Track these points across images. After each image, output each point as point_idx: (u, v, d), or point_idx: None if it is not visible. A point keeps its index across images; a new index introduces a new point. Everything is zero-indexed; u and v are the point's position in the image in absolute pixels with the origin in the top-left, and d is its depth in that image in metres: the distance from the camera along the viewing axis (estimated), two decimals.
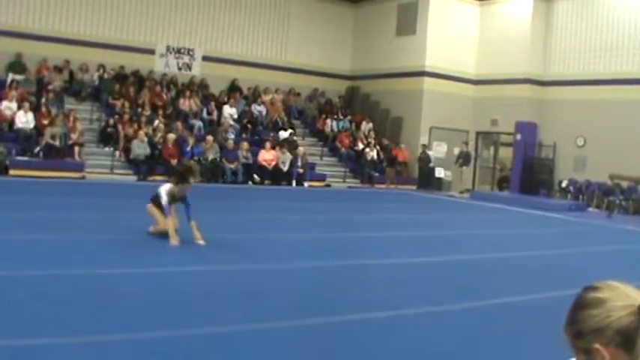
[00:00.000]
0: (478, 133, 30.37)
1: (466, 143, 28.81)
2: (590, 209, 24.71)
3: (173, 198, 10.76)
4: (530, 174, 27.59)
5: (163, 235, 10.82)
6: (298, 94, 31.60)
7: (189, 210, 10.70)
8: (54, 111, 23.40)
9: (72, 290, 7.42)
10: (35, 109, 23.10)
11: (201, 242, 10.49)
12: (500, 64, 28.96)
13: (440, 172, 28.91)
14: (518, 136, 27.78)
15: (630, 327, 1.83)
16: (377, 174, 28.24)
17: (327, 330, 6.71)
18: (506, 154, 29.82)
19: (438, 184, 28.65)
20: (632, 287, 1.92)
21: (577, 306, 1.92)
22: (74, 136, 22.61)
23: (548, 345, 4.42)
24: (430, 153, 28.93)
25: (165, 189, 10.79)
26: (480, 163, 30.66)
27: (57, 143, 21.95)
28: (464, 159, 28.59)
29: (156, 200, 10.93)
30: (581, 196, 26.17)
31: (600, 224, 19.96)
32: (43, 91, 24.44)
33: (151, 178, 22.16)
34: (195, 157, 23.40)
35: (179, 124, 25.08)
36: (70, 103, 25.19)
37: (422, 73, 29.44)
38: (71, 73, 26.44)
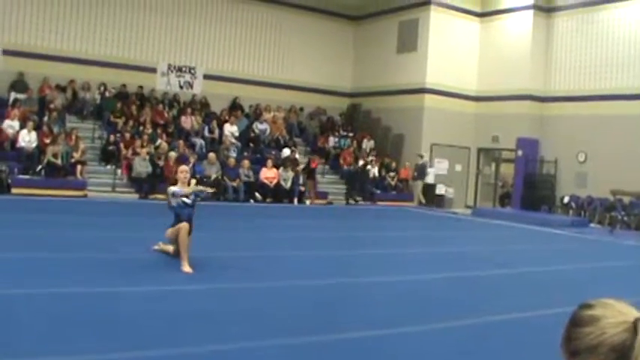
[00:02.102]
0: (479, 150, 30.38)
1: (421, 156, 28.74)
2: (592, 225, 24.66)
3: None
4: (531, 190, 27.56)
5: (167, 254, 10.87)
6: (301, 109, 31.62)
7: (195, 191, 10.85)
8: (56, 129, 23.43)
9: (72, 309, 7.40)
10: (37, 127, 23.12)
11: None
12: (500, 81, 29.01)
13: (441, 189, 28.87)
14: (520, 152, 27.79)
15: (625, 344, 1.82)
16: (378, 191, 28.21)
17: (328, 348, 6.68)
18: (507, 170, 29.83)
19: (439, 201, 28.61)
20: (625, 304, 1.91)
21: (572, 324, 1.92)
22: (76, 155, 22.64)
23: None
24: (431, 170, 28.92)
25: (174, 196, 10.71)
26: (481, 179, 30.66)
27: (59, 162, 21.95)
28: (419, 172, 28.56)
29: (173, 224, 10.71)
30: (583, 212, 26.12)
31: (602, 240, 19.91)
32: (45, 110, 24.49)
33: (152, 197, 22.17)
34: (197, 176, 23.37)
35: (181, 142, 25.11)
36: (72, 122, 25.24)
37: (423, 90, 29.44)
38: (73, 92, 26.49)
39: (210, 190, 11.62)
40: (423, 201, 28.04)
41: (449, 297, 9.69)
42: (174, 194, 10.59)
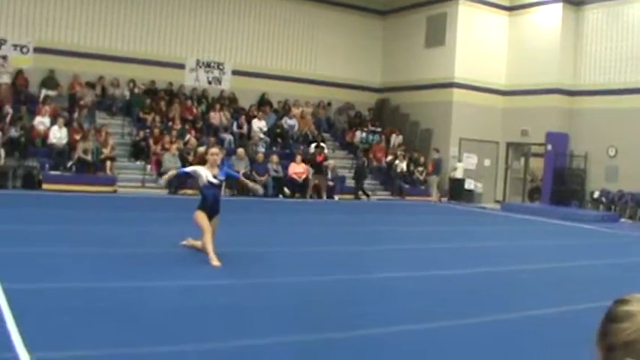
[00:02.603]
0: (508, 144, 30.18)
1: (437, 150, 28.59)
2: (623, 220, 24.42)
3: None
4: (561, 185, 27.34)
5: (196, 249, 10.90)
6: (329, 104, 31.58)
7: (228, 171, 11.04)
8: (86, 126, 23.62)
9: (101, 303, 7.45)
10: (68, 124, 23.30)
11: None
12: (529, 74, 28.78)
13: (470, 184, 28.76)
14: (549, 147, 27.56)
15: None
16: (407, 186, 28.12)
17: (353, 343, 6.64)
18: (536, 164, 29.61)
19: (468, 196, 28.52)
20: None
21: (607, 319, 1.88)
22: (106, 151, 22.78)
23: (580, 358, 4.33)
24: (460, 165, 28.83)
25: (201, 176, 10.64)
26: (510, 174, 30.47)
27: (89, 158, 22.10)
28: (435, 167, 28.50)
29: (203, 206, 10.63)
30: (613, 207, 25.88)
31: (633, 235, 19.73)
32: (76, 107, 24.67)
33: (181, 192, 22.26)
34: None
35: (212, 140, 25.11)
36: (101, 118, 25.39)
37: (451, 85, 29.33)
38: (103, 89, 26.66)
39: (260, 190, 11.56)
40: (436, 196, 27.82)
41: (478, 292, 9.62)
42: (184, 174, 10.74)
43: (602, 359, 1.87)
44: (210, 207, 10.57)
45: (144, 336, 6.34)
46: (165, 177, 11.54)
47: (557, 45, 28.03)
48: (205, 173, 10.52)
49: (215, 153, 10.81)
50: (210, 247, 10.08)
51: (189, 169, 10.89)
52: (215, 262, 9.90)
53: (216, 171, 10.62)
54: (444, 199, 27.96)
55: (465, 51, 29.35)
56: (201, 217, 10.40)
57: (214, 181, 10.59)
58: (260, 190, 11.77)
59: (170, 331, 6.58)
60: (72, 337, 6.12)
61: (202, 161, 10.88)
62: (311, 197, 25.26)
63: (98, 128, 23.69)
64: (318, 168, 25.77)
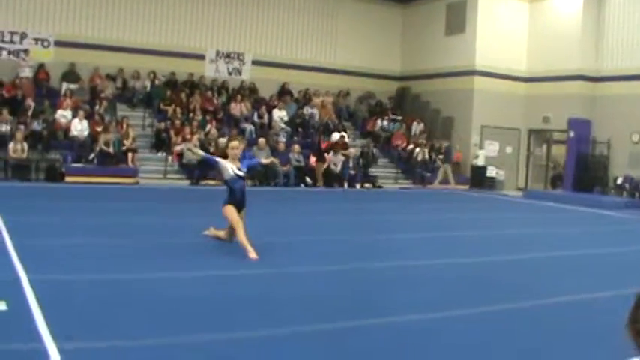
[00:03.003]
0: (530, 131, 29.99)
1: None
2: None
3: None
4: (583, 171, 27.13)
5: (219, 239, 10.95)
6: (347, 93, 31.46)
7: (249, 162, 10.98)
8: (107, 118, 23.77)
9: (130, 294, 7.53)
10: (89, 116, 23.42)
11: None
12: (551, 61, 28.55)
13: (492, 172, 28.63)
14: (571, 133, 27.35)
15: None
16: (428, 174, 28.06)
17: (380, 331, 6.65)
18: (559, 151, 29.41)
19: (490, 184, 28.42)
20: None
21: (637, 305, 1.88)
22: (127, 143, 22.90)
23: (609, 344, 4.33)
24: (481, 152, 28.73)
25: (226, 168, 10.47)
26: (532, 161, 30.31)
27: (110, 150, 22.22)
28: (445, 154, 28.32)
29: (231, 200, 10.49)
30: (637, 194, 25.68)
31: None
32: (96, 99, 24.78)
33: (203, 183, 22.35)
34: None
35: (234, 132, 25.06)
36: (122, 110, 25.51)
37: (472, 72, 29.19)
38: (123, 81, 26.77)
39: (275, 161, 11.36)
40: (446, 182, 27.72)
41: (504, 279, 9.64)
42: (213, 162, 10.73)
43: (634, 343, 1.88)
44: (239, 200, 10.45)
45: (173, 326, 6.40)
46: (190, 150, 11.41)
47: (578, 30, 27.79)
48: (230, 166, 10.40)
49: (235, 147, 10.58)
50: (245, 241, 9.93)
51: (216, 158, 10.76)
52: (253, 254, 9.79)
53: (237, 164, 10.50)
54: (455, 187, 27.65)
55: (485, 38, 29.17)
56: (230, 211, 10.29)
57: (240, 173, 10.47)
58: (275, 161, 11.58)
59: (200, 320, 6.62)
60: (100, 328, 6.19)
61: (223, 155, 10.76)
62: (350, 186, 25.30)
63: (119, 120, 23.83)
64: (321, 155, 25.58)
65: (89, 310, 6.72)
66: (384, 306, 7.64)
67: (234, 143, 10.73)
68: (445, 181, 27.63)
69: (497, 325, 7.14)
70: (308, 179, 24.95)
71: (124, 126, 23.46)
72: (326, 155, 25.34)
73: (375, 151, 27.88)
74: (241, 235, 10.02)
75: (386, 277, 9.29)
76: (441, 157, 28.41)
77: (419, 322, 7.01)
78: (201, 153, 10.94)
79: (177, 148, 10.36)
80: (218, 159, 10.61)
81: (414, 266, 10.27)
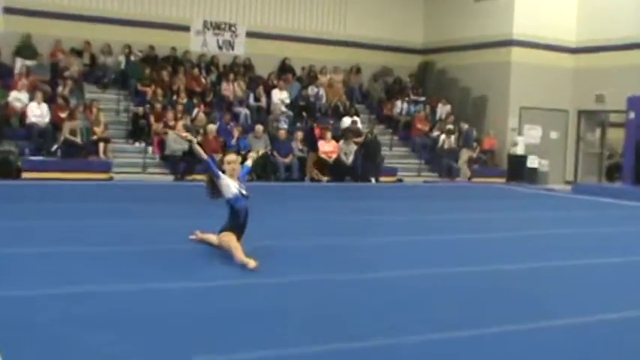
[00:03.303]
0: (580, 113, 29.87)
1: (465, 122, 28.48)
2: None
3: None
4: None
5: (209, 245, 10.91)
6: (360, 71, 31.45)
7: (245, 177, 10.82)
8: (73, 102, 23.68)
9: (103, 310, 7.44)
10: (50, 100, 23.35)
11: None
12: (605, 28, 28.40)
13: (533, 161, 28.50)
14: (632, 115, 27.10)
15: None
16: (457, 165, 27.90)
17: (392, 353, 6.62)
18: (616, 136, 29.26)
19: (531, 176, 28.31)
20: None
21: None
22: (98, 131, 22.83)
23: None
24: (520, 139, 28.58)
25: (228, 185, 10.34)
26: (583, 148, 30.15)
27: (78, 139, 22.15)
28: (465, 139, 28.17)
29: (233, 224, 10.40)
30: None
31: None
32: (59, 79, 24.68)
33: (190, 178, 22.29)
34: (242, 151, 23.31)
35: (227, 117, 25.08)
36: (91, 92, 25.51)
37: (509, 43, 29.09)
38: (92, 57, 26.71)
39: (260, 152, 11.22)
40: (468, 174, 27.55)
41: (547, 291, 9.53)
42: (217, 176, 10.32)
43: None
44: (242, 224, 10.40)
45: (154, 348, 6.34)
46: (179, 134, 11.10)
47: None
48: (233, 184, 10.31)
49: (233, 161, 10.52)
50: (245, 259, 9.77)
51: (221, 173, 10.51)
52: (252, 264, 9.59)
53: (237, 182, 10.42)
54: (468, 179, 27.48)
55: (524, 2, 29.04)
56: (230, 238, 10.15)
57: (244, 192, 10.40)
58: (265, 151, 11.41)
59: (184, 340, 6.57)
60: (70, 352, 6.13)
61: (221, 170, 10.55)
62: (363, 180, 25.26)
63: (88, 104, 23.72)
64: (314, 144, 25.33)
65: (56, 332, 6.61)
66: (400, 323, 7.55)
67: (231, 157, 10.66)
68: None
69: (542, 345, 7.05)
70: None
71: (94, 111, 23.34)
72: (334, 144, 25.15)
73: (377, 136, 27.42)
74: (241, 256, 9.82)
75: (402, 290, 9.19)
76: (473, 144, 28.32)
77: (430, 344, 6.92)
78: (204, 156, 10.69)
79: (172, 133, 10.05)
80: (222, 174, 10.37)
81: (446, 275, 10.21)
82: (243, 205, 10.37)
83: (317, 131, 25.77)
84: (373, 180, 25.43)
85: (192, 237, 11.37)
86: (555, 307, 8.59)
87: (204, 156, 10.50)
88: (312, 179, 24.59)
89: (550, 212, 19.80)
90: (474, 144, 28.44)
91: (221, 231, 10.36)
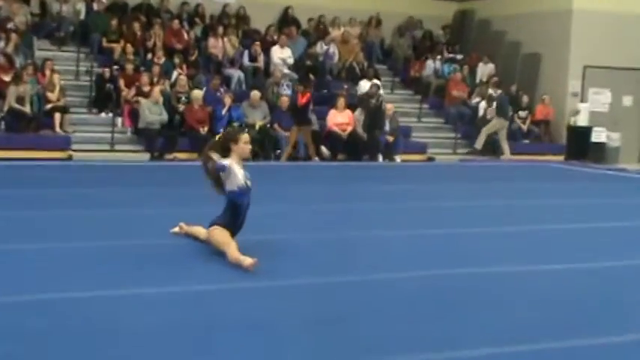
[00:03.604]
0: None
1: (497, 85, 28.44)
2: None
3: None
4: None
5: (193, 238, 10.93)
6: (380, 22, 31.49)
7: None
8: (19, 61, 23.58)
9: (64, 321, 7.33)
10: None
11: None
12: None
13: (600, 135, 28.37)
14: None
15: None
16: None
17: None
18: None
19: (597, 153, 28.17)
20: None
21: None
22: (52, 98, 22.71)
23: None
24: (583, 106, 28.42)
25: (235, 175, 10.19)
26: None
27: (26, 109, 22.04)
28: (499, 107, 27.84)
29: (231, 221, 10.31)
30: None
31: None
32: (0, 32, 24.54)
33: (170, 157, 22.39)
34: (235, 123, 23.20)
35: (216, 82, 25.06)
36: (43, 49, 25.57)
37: None
38: (42, 4, 26.68)
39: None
40: (482, 140, 27.51)
41: (624, 294, 9.41)
42: (223, 169, 10.14)
43: None
44: (241, 222, 10.36)
45: None
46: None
47: None
48: (240, 171, 10.20)
49: (248, 141, 10.42)
50: (240, 257, 9.65)
51: (225, 162, 10.32)
52: (248, 261, 9.47)
53: (243, 170, 10.34)
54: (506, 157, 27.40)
55: None
56: (223, 234, 10.09)
57: (250, 183, 10.30)
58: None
59: (165, 357, 6.50)
60: None
61: (224, 148, 10.38)
62: (386, 158, 25.35)
63: (39, 64, 23.63)
64: (301, 115, 24.90)
65: (13, 349, 6.47)
66: (461, 333, 7.45)
67: (247, 136, 10.53)
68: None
69: None
70: (324, 149, 24.78)
71: (47, 73, 23.28)
72: (349, 114, 24.99)
73: (382, 102, 26.93)
74: (235, 254, 9.72)
75: (446, 293, 9.13)
76: (522, 114, 28.15)
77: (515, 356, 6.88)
78: (216, 158, 10.61)
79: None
80: (227, 161, 10.14)
81: (490, 275, 10.16)
82: (247, 201, 10.31)
83: (302, 99, 24.97)
84: (397, 158, 25.34)
85: (176, 230, 11.33)
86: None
87: (216, 158, 10.32)
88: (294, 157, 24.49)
89: (625, 199, 19.65)
90: (521, 113, 28.33)
91: (211, 225, 10.27)
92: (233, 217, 10.22)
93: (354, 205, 15.93)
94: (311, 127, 24.80)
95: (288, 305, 8.30)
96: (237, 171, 10.11)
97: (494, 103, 27.76)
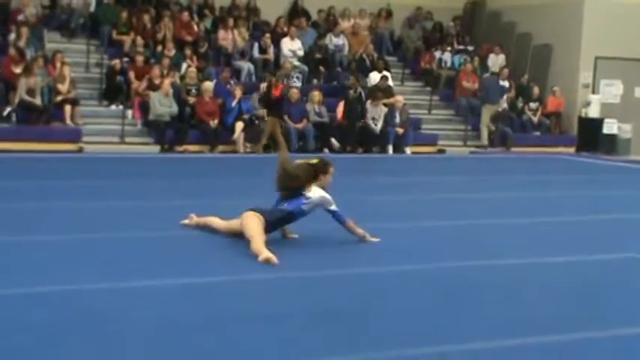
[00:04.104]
0: None
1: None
2: None
3: None
4: None
5: (209, 230, 10.95)
6: (391, 14, 31.46)
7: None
8: (30, 53, 23.51)
9: (76, 314, 7.30)
10: (0, 51, 23.30)
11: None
12: None
13: (612, 127, 28.28)
14: None
15: None
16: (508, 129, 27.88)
17: None
18: None
19: (609, 144, 28.11)
20: None
21: None
22: (63, 90, 22.70)
23: None
24: (594, 97, 28.36)
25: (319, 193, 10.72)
26: None
27: (37, 101, 22.05)
28: (488, 91, 27.95)
29: (268, 216, 10.47)
30: None
31: None
32: (11, 25, 24.58)
33: (180, 149, 22.37)
34: (245, 115, 23.18)
35: (226, 74, 25.09)
36: (53, 42, 25.52)
37: None
38: None
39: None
40: (485, 134, 27.55)
41: (628, 289, 9.42)
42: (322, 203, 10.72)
43: None
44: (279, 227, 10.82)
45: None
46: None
47: None
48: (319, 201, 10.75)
49: (333, 173, 11.05)
50: (263, 250, 9.72)
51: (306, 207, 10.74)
52: (263, 256, 9.55)
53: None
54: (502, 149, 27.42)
55: None
56: (257, 224, 10.23)
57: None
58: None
59: (175, 349, 6.47)
60: None
61: (314, 176, 10.86)
62: (396, 151, 25.36)
63: (49, 57, 23.62)
64: (275, 107, 24.30)
65: (14, 341, 6.43)
66: (470, 325, 7.47)
67: (334, 169, 11.14)
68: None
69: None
70: (334, 141, 24.73)
71: (57, 65, 23.26)
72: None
73: (361, 94, 26.46)
74: (260, 245, 9.82)
75: (460, 284, 9.16)
76: (533, 105, 28.08)
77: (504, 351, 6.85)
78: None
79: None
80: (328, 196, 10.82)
81: (502, 267, 10.19)
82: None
83: (276, 91, 24.31)
84: (408, 151, 25.35)
85: (186, 221, 11.33)
86: None
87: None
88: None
89: (632, 191, 19.62)
90: (532, 104, 28.33)
91: (253, 210, 10.40)
92: (278, 220, 10.51)
93: (363, 197, 15.94)
94: (281, 120, 24.34)
95: (296, 298, 8.30)
96: (317, 202, 10.65)
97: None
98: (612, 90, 29.06)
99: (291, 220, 10.65)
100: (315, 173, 10.73)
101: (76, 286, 8.20)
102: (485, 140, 27.45)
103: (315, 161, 10.94)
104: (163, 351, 6.46)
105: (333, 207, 10.68)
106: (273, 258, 9.38)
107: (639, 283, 9.68)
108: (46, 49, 24.30)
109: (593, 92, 28.84)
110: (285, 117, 24.15)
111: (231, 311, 7.63)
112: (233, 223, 10.60)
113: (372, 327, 7.31)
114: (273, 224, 10.43)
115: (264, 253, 9.46)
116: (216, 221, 10.86)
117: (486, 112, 27.56)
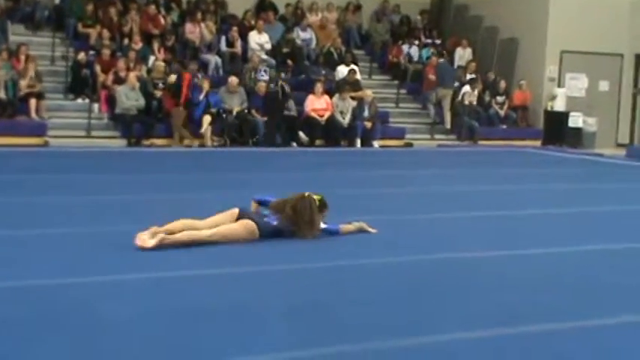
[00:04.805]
0: (639, 57, 29.77)
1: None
2: None
3: None
4: None
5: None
6: (359, 7, 31.50)
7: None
8: None
9: (43, 308, 7.25)
10: None
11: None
12: None
13: (577, 120, 28.42)
14: None
15: None
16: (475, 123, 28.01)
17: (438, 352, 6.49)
18: None
19: (575, 137, 28.26)
20: None
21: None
22: (27, 83, 22.61)
23: None
24: (560, 91, 28.49)
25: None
26: None
27: (1, 94, 22.04)
28: (442, 75, 28.38)
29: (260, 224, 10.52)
30: None
31: None
32: None
33: (147, 142, 22.32)
34: (212, 110, 23.14)
35: (194, 67, 24.98)
36: (17, 34, 25.44)
37: None
38: None
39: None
40: (448, 118, 27.91)
41: (595, 280, 9.44)
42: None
43: None
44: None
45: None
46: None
47: None
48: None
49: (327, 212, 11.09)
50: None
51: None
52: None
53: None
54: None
55: None
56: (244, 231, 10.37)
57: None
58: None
59: (148, 343, 6.43)
60: None
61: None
62: (364, 144, 25.43)
63: (13, 50, 23.52)
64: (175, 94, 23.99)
65: None
66: (440, 317, 7.48)
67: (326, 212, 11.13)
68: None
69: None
70: (302, 134, 24.79)
71: (22, 58, 23.23)
72: (327, 99, 24.99)
73: (286, 87, 26.11)
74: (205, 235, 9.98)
75: (437, 275, 9.19)
76: (500, 99, 28.17)
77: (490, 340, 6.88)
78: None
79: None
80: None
81: (462, 260, 10.17)
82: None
83: (186, 80, 24.24)
84: (376, 144, 25.42)
85: (152, 242, 9.89)
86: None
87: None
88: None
89: (602, 185, 19.70)
90: (498, 98, 28.51)
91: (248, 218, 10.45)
92: (269, 235, 10.45)
93: (332, 190, 15.92)
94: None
95: (269, 291, 8.25)
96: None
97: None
98: (577, 84, 29.22)
99: (279, 236, 10.58)
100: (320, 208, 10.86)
101: (42, 281, 8.16)
102: (448, 124, 27.76)
103: (317, 197, 10.90)
104: (132, 345, 6.38)
105: (322, 226, 10.81)
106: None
107: (606, 274, 9.62)
108: (10, 42, 24.18)
109: (559, 86, 29.00)
110: (253, 111, 24.17)
111: (200, 305, 7.57)
112: (219, 220, 10.32)
113: (341, 320, 7.30)
114: (264, 237, 10.41)
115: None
116: (193, 232, 10.04)
117: (446, 96, 28.04)
